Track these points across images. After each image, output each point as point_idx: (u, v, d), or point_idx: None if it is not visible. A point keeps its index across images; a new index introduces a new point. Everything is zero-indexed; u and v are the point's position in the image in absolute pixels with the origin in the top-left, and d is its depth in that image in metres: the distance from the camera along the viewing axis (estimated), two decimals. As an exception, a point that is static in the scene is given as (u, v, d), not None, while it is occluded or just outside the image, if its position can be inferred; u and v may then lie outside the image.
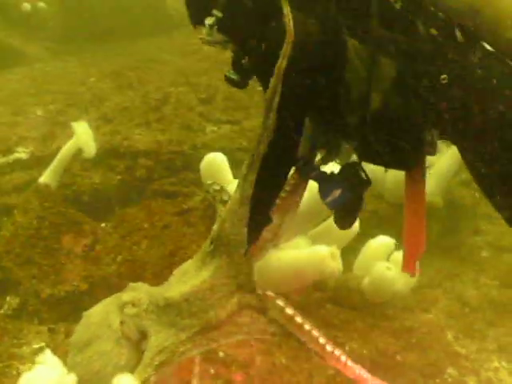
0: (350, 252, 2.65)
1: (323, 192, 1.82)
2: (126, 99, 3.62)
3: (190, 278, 1.65)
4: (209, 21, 1.67)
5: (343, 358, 1.65)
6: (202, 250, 1.70)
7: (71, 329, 1.92)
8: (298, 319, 1.63)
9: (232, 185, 2.43)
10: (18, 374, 2.06)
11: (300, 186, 1.86)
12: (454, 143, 1.77)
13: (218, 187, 2.15)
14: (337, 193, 1.81)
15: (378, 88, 1.66)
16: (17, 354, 2.28)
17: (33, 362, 2.23)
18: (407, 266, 1.92)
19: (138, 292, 1.64)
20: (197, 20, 1.72)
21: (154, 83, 3.79)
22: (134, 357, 1.55)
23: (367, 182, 1.85)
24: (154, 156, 3.19)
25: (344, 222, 1.91)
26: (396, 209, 3.20)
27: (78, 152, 2.92)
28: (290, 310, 1.64)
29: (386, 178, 3.19)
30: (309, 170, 1.83)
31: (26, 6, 4.47)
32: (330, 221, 2.49)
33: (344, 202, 1.82)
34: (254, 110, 3.53)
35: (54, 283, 2.54)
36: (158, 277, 2.34)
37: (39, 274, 2.57)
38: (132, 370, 1.51)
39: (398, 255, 2.60)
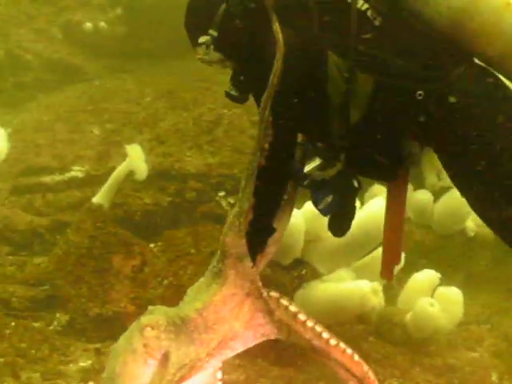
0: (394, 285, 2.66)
1: (315, 199, 1.89)
2: (180, 120, 3.69)
3: (202, 294, 1.70)
4: (203, 39, 1.77)
5: (349, 351, 1.68)
6: (211, 265, 1.75)
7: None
8: (301, 316, 1.66)
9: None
10: (64, 393, 2.14)
11: (293, 193, 1.91)
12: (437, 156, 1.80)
13: (223, 193, 2.20)
14: (329, 199, 1.87)
15: (355, 103, 1.72)
16: (63, 371, 2.36)
17: (78, 381, 2.32)
18: (384, 273, 2.01)
19: (156, 314, 1.67)
20: (196, 41, 1.81)
21: (207, 104, 3.84)
22: (162, 376, 1.59)
23: (358, 188, 1.92)
24: (203, 178, 3.24)
25: (338, 229, 1.97)
26: (443, 240, 3.20)
27: (131, 173, 3.00)
28: (293, 308, 1.67)
29: (434, 208, 3.17)
30: (301, 178, 1.88)
31: (88, 25, 4.60)
32: (375, 253, 2.51)
33: (336, 209, 1.89)
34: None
35: (102, 303, 2.62)
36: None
37: (88, 292, 2.65)
38: None
39: (443, 290, 2.60)
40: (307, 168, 1.89)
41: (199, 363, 1.59)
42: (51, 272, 2.80)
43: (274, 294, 1.68)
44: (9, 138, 2.58)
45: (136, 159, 3.01)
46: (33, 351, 2.45)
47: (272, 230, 1.79)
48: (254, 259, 1.69)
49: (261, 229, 1.73)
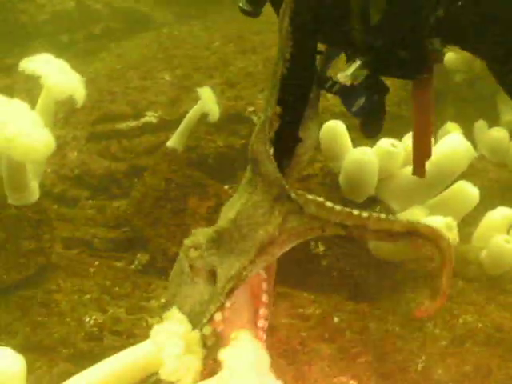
0: (469, 223, 2.64)
1: (348, 104, 1.96)
2: (250, 63, 3.70)
3: (233, 206, 1.69)
4: None
5: (383, 216, 1.62)
6: (242, 180, 1.75)
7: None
8: (328, 203, 1.63)
9: (351, 152, 2.48)
10: (148, 327, 2.24)
11: (317, 99, 1.97)
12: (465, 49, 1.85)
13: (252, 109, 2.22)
14: (361, 101, 1.93)
15: (375, 2, 1.73)
16: (146, 307, 2.47)
17: (161, 316, 2.42)
18: (417, 170, 2.13)
19: (197, 235, 1.70)
20: None
21: (276, 47, 3.82)
22: (211, 291, 1.63)
23: (387, 88, 1.99)
24: (275, 121, 3.25)
25: (370, 129, 2.08)
26: (519, 179, 3.14)
27: (203, 117, 3.04)
28: (319, 199, 1.64)
29: (510, 146, 3.12)
30: (330, 86, 1.93)
31: (155, -27, 4.63)
32: (449, 191, 2.49)
33: (369, 109, 1.95)
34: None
35: (180, 243, 2.69)
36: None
37: (167, 233, 2.73)
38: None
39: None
40: (341, 75, 1.91)
41: (244, 272, 1.59)
42: (130, 214, 2.90)
43: (300, 192, 1.65)
44: (84, 86, 2.63)
45: (208, 101, 3.05)
46: (116, 288, 2.56)
47: (298, 139, 1.83)
48: (282, 167, 1.68)
49: (287, 137, 1.75)
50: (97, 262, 2.69)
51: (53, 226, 2.65)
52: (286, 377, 1.94)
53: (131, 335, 2.26)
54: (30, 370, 1.63)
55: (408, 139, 2.51)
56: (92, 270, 2.64)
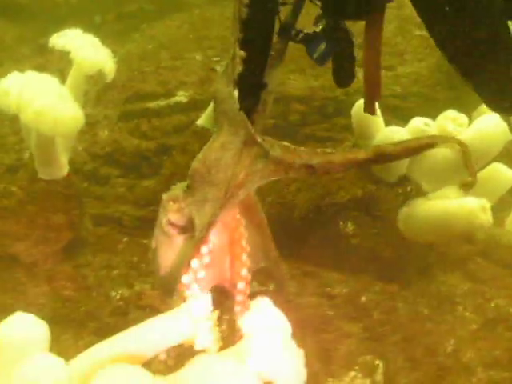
0: (503, 206, 2.58)
1: (310, 50, 2.01)
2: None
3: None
4: None
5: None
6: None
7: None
8: (292, 146, 1.63)
9: (382, 132, 2.43)
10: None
11: (284, 49, 2.02)
12: None
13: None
14: (322, 47, 1.98)
15: None
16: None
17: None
18: (367, 108, 2.13)
19: (175, 189, 1.71)
20: None
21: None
22: (187, 246, 1.64)
23: (349, 33, 2.02)
24: (307, 101, 3.22)
25: (342, 79, 2.12)
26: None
27: (234, 96, 3.01)
28: (285, 143, 1.64)
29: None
30: (294, 34, 1.99)
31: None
32: (483, 173, 2.43)
33: (329, 57, 2.01)
34: (409, 55, 3.45)
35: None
36: (304, 219, 2.41)
37: (195, 212, 2.72)
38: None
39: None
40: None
41: (219, 215, 1.59)
42: (159, 193, 2.88)
43: (267, 138, 1.65)
44: (114, 61, 2.64)
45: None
46: (143, 265, 2.56)
47: (264, 85, 1.83)
48: (248, 111, 1.67)
49: (252, 82, 1.75)
50: (125, 239, 2.70)
51: (82, 202, 2.65)
52: (311, 355, 1.92)
53: (156, 310, 2.25)
54: (57, 342, 1.62)
55: (442, 119, 2.46)
56: (120, 246, 2.65)
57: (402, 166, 2.42)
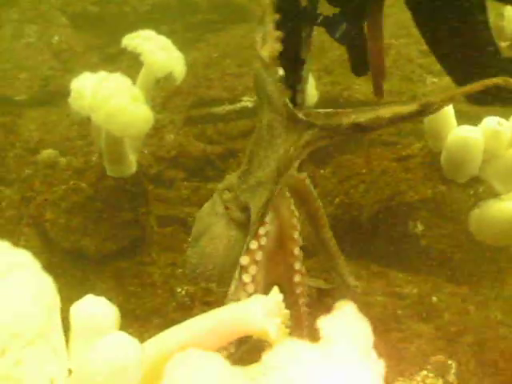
0: None
1: (331, 31, 2.01)
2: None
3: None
4: None
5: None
6: None
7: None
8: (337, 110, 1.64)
9: (454, 131, 2.38)
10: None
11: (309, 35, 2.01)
12: None
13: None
14: (343, 27, 1.99)
15: None
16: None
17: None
18: (376, 91, 2.21)
19: (230, 179, 1.75)
20: None
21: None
22: (243, 235, 1.65)
23: (363, 14, 2.05)
24: (373, 106, 3.18)
25: (357, 68, 2.19)
26: None
27: (299, 100, 3.00)
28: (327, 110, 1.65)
29: None
30: (314, 17, 1.99)
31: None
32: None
33: (351, 34, 2.01)
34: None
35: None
36: (374, 219, 2.37)
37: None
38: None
39: None
40: None
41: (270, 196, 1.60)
42: (223, 196, 2.89)
43: (312, 110, 1.68)
44: (184, 63, 2.67)
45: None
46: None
47: (302, 61, 1.92)
48: (290, 90, 1.70)
49: (290, 59, 1.85)
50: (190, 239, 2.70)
51: (148, 200, 2.67)
52: (381, 353, 1.87)
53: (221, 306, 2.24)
54: (123, 334, 1.63)
55: (516, 119, 2.39)
56: (185, 245, 2.65)
57: (474, 167, 2.35)
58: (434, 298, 2.12)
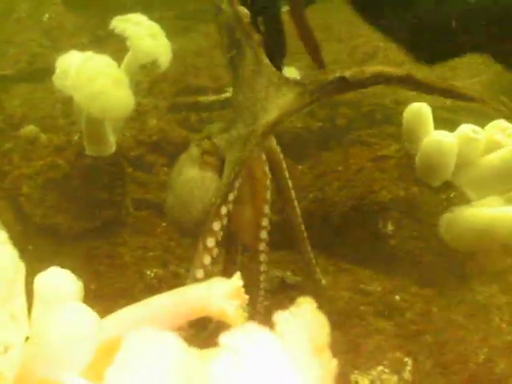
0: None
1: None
2: (334, 51, 3.68)
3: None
4: None
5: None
6: None
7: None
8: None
9: (430, 135, 2.41)
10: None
11: None
12: None
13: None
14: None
15: None
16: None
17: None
18: (317, 65, 2.35)
19: (211, 128, 1.74)
20: None
21: (364, 37, 3.80)
22: (216, 178, 1.65)
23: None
24: (355, 106, 3.21)
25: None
26: None
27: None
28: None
29: None
30: None
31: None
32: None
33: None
34: (462, 71, 3.44)
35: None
36: (346, 216, 2.40)
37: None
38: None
39: None
40: None
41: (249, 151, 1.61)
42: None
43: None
44: (170, 51, 2.68)
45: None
46: (180, 250, 2.57)
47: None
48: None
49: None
50: (164, 224, 2.72)
51: (125, 183, 2.69)
52: (340, 347, 1.90)
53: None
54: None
55: (491, 128, 2.43)
56: (158, 230, 2.67)
57: (447, 171, 2.39)
58: (397, 297, 2.16)
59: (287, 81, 1.63)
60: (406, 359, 1.88)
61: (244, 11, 1.68)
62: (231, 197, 1.57)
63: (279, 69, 2.08)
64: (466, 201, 2.38)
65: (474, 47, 1.96)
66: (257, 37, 1.67)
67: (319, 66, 2.34)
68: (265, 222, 1.73)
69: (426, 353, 1.98)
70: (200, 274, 1.60)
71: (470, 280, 2.34)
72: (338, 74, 1.59)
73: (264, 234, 1.74)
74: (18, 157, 2.84)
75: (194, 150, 1.69)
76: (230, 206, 1.57)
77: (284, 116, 1.64)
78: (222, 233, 1.59)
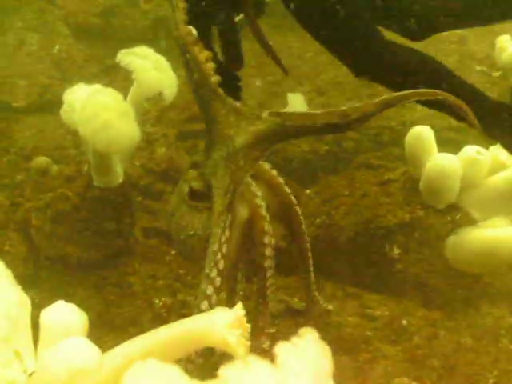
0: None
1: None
2: (340, 73, 3.69)
3: None
4: None
5: None
6: None
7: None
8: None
9: (433, 158, 2.42)
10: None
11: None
12: None
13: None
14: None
15: None
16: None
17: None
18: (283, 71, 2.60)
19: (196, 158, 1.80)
20: None
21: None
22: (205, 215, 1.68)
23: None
24: (362, 129, 3.23)
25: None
26: None
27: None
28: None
29: None
30: None
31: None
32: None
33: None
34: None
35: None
36: (352, 241, 2.42)
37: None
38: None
39: None
40: None
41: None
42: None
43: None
44: (176, 84, 2.72)
45: (296, 107, 3.07)
46: (189, 278, 2.59)
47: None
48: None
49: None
50: (173, 252, 2.74)
51: (133, 212, 2.72)
52: (347, 373, 1.91)
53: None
54: (98, 343, 1.67)
55: (495, 149, 2.44)
56: (168, 258, 2.69)
57: (452, 194, 2.39)
58: (405, 322, 2.16)
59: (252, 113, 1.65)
60: (414, 384, 1.88)
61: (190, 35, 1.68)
62: (227, 224, 1.59)
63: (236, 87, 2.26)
64: (472, 222, 2.38)
65: None
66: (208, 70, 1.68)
67: (284, 71, 2.59)
68: (268, 251, 1.75)
69: (434, 377, 1.98)
70: (204, 305, 1.61)
71: (478, 302, 2.34)
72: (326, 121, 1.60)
73: (268, 263, 1.75)
74: (29, 189, 2.89)
75: (182, 186, 1.73)
76: (227, 233, 1.60)
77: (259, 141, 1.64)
78: (222, 261, 1.60)
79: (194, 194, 1.70)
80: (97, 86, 2.57)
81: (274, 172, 1.83)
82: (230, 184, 1.60)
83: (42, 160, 3.18)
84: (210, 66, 1.63)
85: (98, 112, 2.31)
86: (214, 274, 1.61)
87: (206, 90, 1.63)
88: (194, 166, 1.73)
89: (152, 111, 3.57)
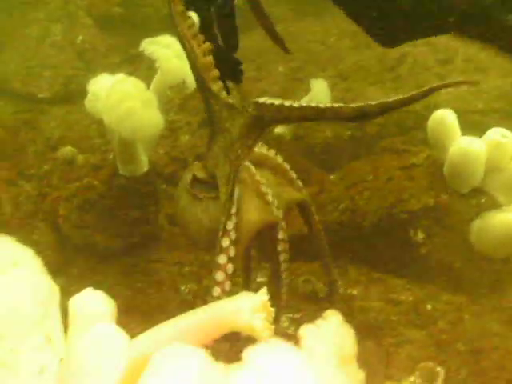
0: None
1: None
2: (363, 58, 3.69)
3: None
4: None
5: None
6: None
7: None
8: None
9: (457, 142, 2.41)
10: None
11: None
12: None
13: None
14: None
15: None
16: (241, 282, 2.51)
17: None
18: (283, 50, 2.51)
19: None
20: None
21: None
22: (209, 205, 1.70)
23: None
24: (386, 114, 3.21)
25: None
26: None
27: (313, 106, 3.05)
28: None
29: None
30: None
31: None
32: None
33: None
34: (493, 72, 3.41)
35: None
36: (376, 225, 2.42)
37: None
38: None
39: None
40: None
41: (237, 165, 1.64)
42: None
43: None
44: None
45: (319, 92, 3.08)
46: (215, 264, 2.61)
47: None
48: None
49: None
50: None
51: (158, 200, 2.75)
52: (372, 357, 1.92)
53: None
54: (125, 330, 1.70)
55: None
56: (193, 245, 2.71)
57: (476, 178, 2.38)
58: (429, 306, 2.16)
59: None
60: (439, 369, 1.88)
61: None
62: (233, 211, 1.61)
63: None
64: (497, 206, 2.37)
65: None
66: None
67: (285, 50, 2.50)
68: (281, 235, 1.75)
69: (459, 361, 1.99)
70: (216, 291, 1.63)
71: (503, 286, 2.34)
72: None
73: (281, 247, 1.76)
74: (56, 178, 2.93)
75: (186, 177, 1.76)
76: (235, 220, 1.61)
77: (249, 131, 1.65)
78: (233, 248, 1.62)
79: (197, 184, 1.73)
80: (120, 76, 2.59)
81: (280, 159, 1.85)
82: (231, 173, 1.62)
83: (67, 150, 3.22)
84: (208, 60, 1.64)
85: (122, 100, 2.34)
86: (223, 260, 1.62)
87: (202, 87, 1.65)
88: (199, 158, 1.76)
89: (175, 99, 3.59)
